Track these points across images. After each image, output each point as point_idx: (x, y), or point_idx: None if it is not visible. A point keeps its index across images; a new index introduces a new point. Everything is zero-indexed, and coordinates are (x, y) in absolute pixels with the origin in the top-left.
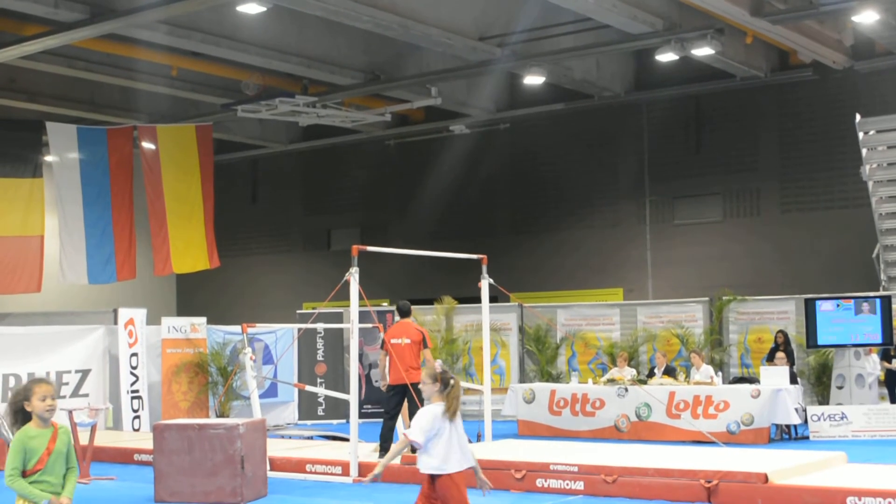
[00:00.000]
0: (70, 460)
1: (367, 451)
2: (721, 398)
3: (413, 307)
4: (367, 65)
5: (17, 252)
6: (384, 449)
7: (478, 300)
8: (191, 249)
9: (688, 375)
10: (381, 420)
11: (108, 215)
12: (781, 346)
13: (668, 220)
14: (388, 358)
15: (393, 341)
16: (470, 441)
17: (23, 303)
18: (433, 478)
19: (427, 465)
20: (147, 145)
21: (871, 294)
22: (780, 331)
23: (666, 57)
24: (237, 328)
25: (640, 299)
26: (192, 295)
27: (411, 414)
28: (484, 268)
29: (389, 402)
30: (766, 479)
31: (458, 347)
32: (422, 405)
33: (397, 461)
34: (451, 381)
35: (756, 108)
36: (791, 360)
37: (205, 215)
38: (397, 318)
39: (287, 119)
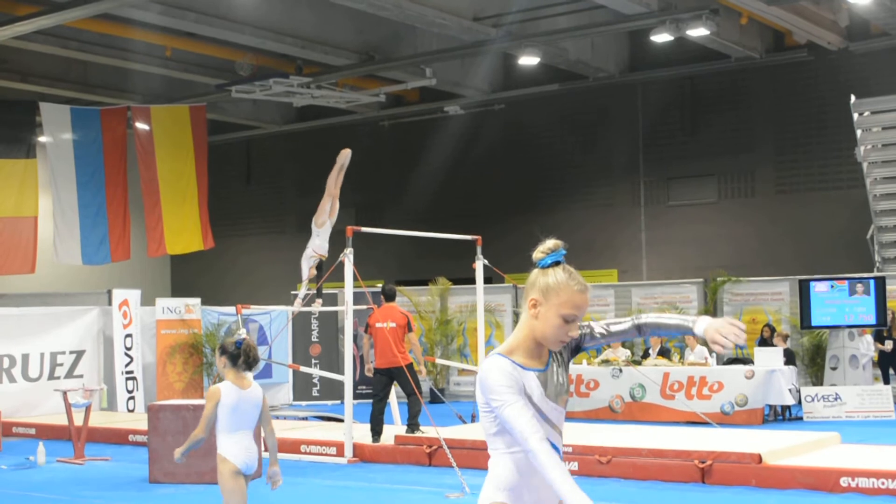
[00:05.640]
0: None
1: (361, 432)
2: (715, 379)
3: (408, 288)
4: (362, 45)
5: (10, 233)
6: (376, 433)
7: (472, 281)
8: (185, 230)
9: (682, 356)
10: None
11: (102, 196)
12: (769, 340)
13: (663, 201)
14: (372, 342)
15: (378, 325)
16: (465, 421)
17: (17, 284)
18: None
19: None
20: (141, 126)
21: (865, 275)
22: (767, 325)
23: (661, 38)
24: (232, 309)
25: (634, 280)
26: (186, 276)
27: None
28: (478, 249)
29: (376, 386)
30: (759, 459)
31: (452, 328)
32: (407, 388)
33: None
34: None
35: (751, 89)
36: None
37: (199, 196)
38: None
39: (281, 100)
